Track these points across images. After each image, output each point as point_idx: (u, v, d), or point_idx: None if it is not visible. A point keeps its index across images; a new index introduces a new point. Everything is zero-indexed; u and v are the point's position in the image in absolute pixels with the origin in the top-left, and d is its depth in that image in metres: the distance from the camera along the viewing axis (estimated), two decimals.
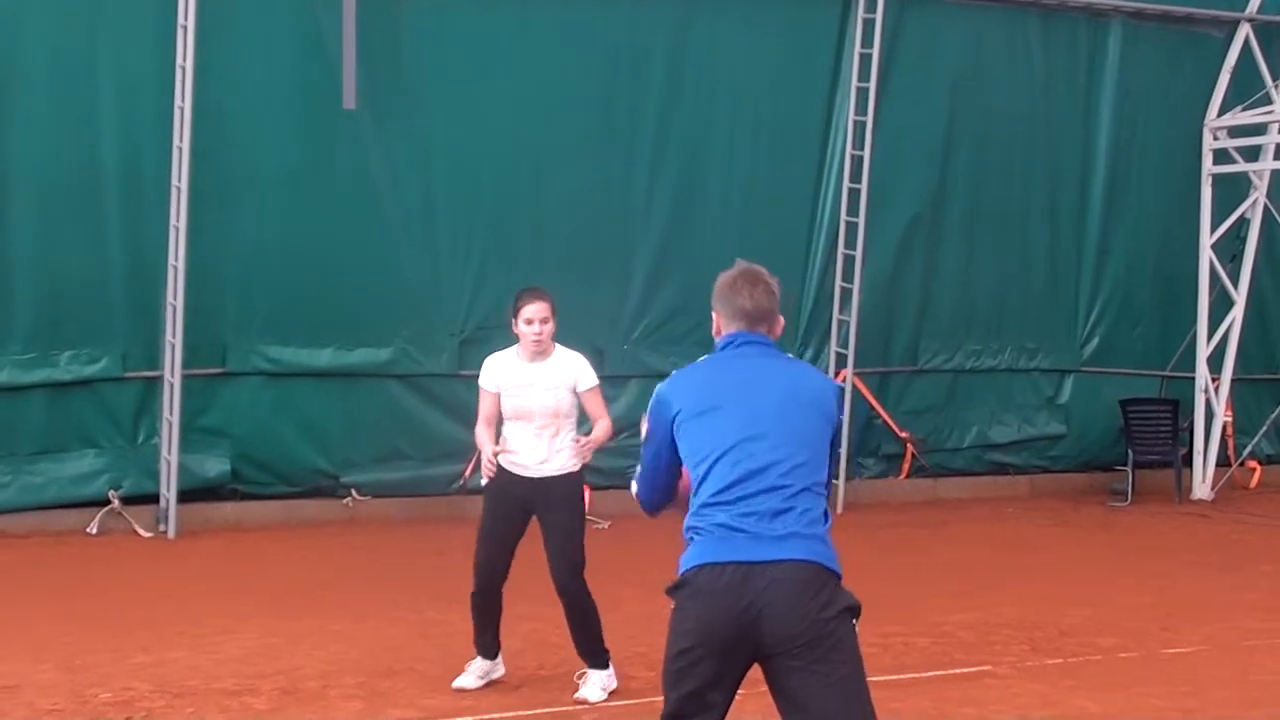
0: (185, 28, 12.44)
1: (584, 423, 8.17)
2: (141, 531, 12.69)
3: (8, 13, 12.29)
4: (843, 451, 5.25)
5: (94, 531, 12.60)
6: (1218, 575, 12.18)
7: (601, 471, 14.13)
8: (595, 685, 8.01)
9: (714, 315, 5.18)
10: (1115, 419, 16.42)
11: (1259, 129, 16.34)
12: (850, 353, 14.93)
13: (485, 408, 8.05)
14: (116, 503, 12.74)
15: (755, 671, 4.86)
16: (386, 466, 13.74)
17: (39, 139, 12.41)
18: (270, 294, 13.15)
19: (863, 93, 14.89)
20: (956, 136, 15.68)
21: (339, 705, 7.90)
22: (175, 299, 12.62)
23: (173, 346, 12.68)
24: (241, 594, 10.59)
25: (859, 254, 14.94)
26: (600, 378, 13.96)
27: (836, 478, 5.26)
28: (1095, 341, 16.69)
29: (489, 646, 8.19)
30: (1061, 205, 16.35)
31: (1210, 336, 16.54)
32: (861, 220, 14.93)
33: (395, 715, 7.76)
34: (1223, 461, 16.73)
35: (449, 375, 13.72)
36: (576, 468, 7.99)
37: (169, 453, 12.76)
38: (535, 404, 7.91)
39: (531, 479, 7.91)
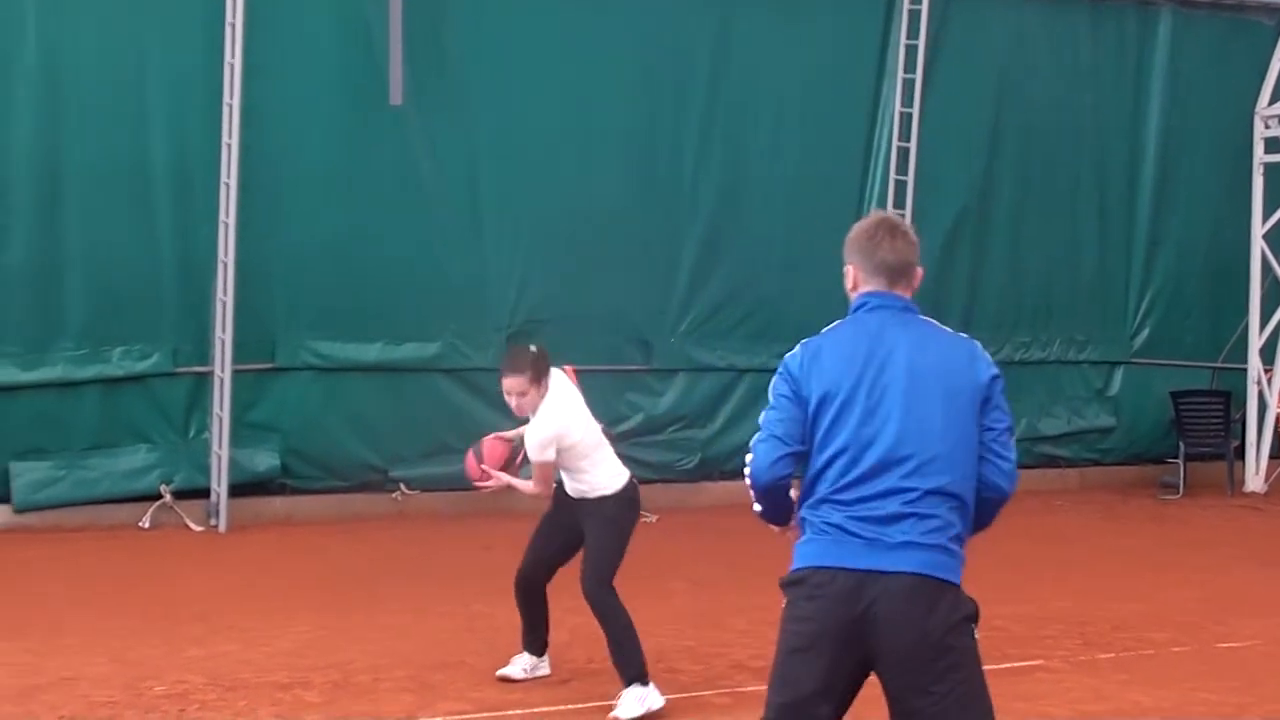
0: (233, 26, 12.50)
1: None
2: (193, 526, 12.76)
3: (58, 12, 12.37)
4: (1004, 415, 4.75)
5: (146, 526, 12.68)
6: (1271, 569, 12.09)
7: (650, 465, 14.15)
8: (631, 699, 7.67)
9: (849, 269, 4.82)
10: (1166, 411, 16.33)
11: None
12: None
13: None
14: (168, 497, 12.82)
15: None
16: (435, 461, 13.76)
17: (90, 137, 12.49)
18: (319, 289, 13.20)
19: (909, 84, 14.85)
20: (1003, 127, 15.61)
21: (390, 698, 7.93)
22: (225, 295, 12.69)
23: (223, 342, 12.75)
24: (292, 588, 10.64)
25: None
26: (647, 371, 14.03)
27: (1001, 478, 4.78)
28: (1145, 333, 16.60)
29: (535, 644, 8.20)
30: (1110, 196, 16.26)
31: (1262, 327, 16.42)
32: (908, 212, 14.88)
33: (445, 708, 7.78)
34: (1276, 453, 16.59)
35: (496, 369, 13.66)
36: (612, 490, 7.96)
37: (220, 447, 12.83)
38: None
39: (574, 500, 7.98)
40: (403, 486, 13.67)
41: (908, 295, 4.84)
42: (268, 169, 12.86)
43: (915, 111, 14.83)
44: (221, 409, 12.81)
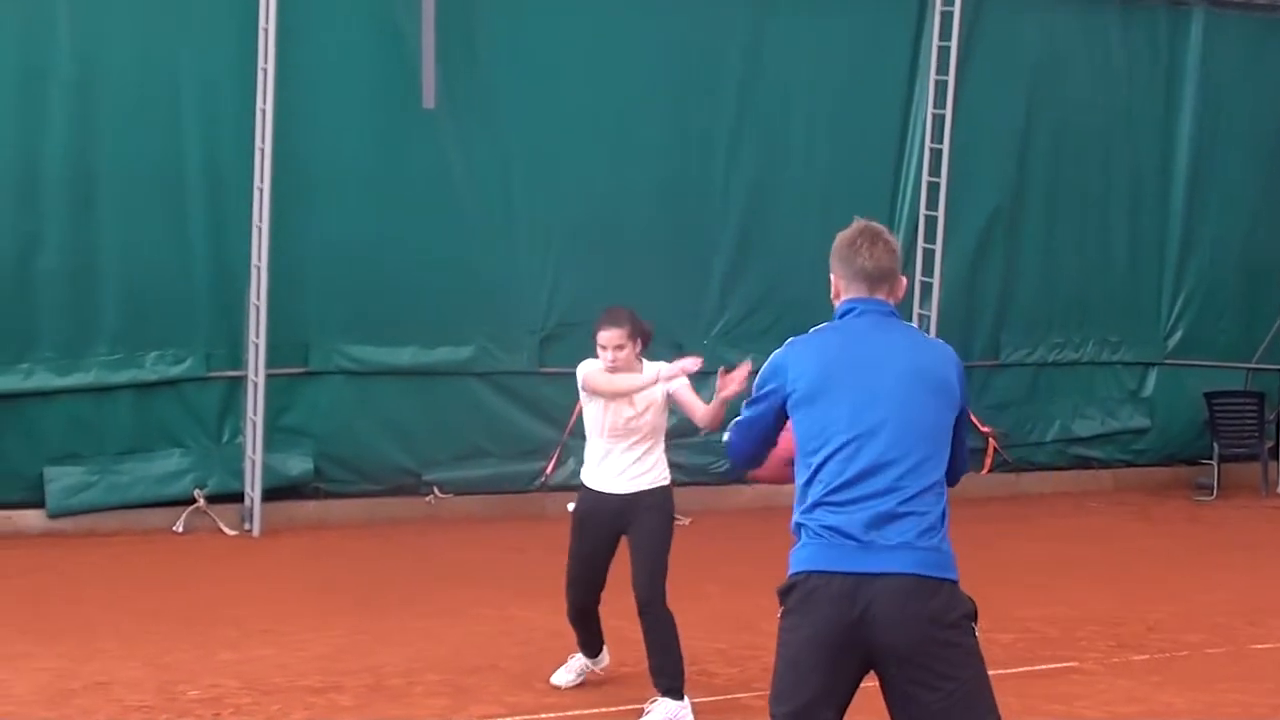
0: (266, 30, 12.54)
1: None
2: (226, 530, 12.80)
3: (92, 16, 12.42)
4: (966, 428, 4.95)
5: (180, 530, 12.73)
6: None
7: (683, 468, 14.14)
8: (661, 715, 7.64)
9: (832, 277, 4.94)
10: (1200, 412, 16.26)
11: None
12: None
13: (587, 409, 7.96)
14: (202, 501, 12.86)
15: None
16: (468, 464, 13.79)
17: (124, 142, 12.54)
18: (351, 293, 13.22)
19: (941, 85, 14.81)
20: (1036, 129, 15.56)
21: (423, 702, 7.96)
22: (258, 299, 12.73)
23: (256, 346, 12.80)
24: (326, 592, 10.67)
25: (939, 248, 14.88)
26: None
27: (965, 466, 4.92)
28: (1179, 334, 16.53)
29: (593, 648, 8.19)
30: (1144, 196, 16.20)
31: None
32: (941, 214, 14.86)
33: (479, 712, 7.80)
34: None
35: (530, 373, 13.75)
36: (667, 481, 7.92)
37: (253, 452, 12.87)
38: (622, 422, 7.81)
39: (621, 495, 7.77)
40: (436, 490, 13.69)
41: (890, 302, 4.90)
42: (300, 173, 12.89)
43: (948, 113, 14.79)
44: (255, 413, 12.85)
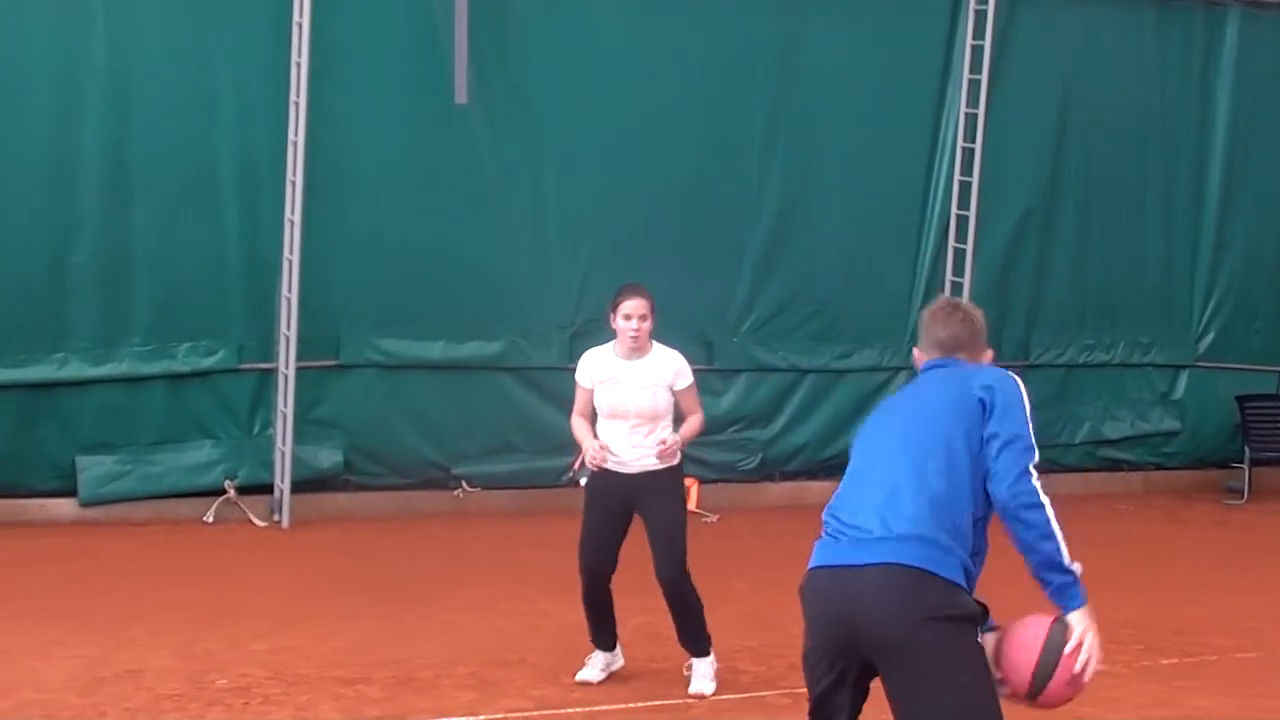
0: (300, 25, 12.58)
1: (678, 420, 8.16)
2: (256, 521, 12.85)
3: (127, 11, 12.48)
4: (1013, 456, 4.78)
5: (210, 520, 12.78)
6: None
7: (710, 465, 14.17)
8: (705, 677, 8.00)
9: (915, 350, 5.30)
10: (1231, 415, 16.20)
11: None
12: None
13: (580, 402, 8.14)
14: (232, 493, 12.92)
15: None
16: (497, 459, 13.82)
17: (157, 135, 12.60)
18: (383, 287, 13.27)
19: (974, 85, 14.79)
20: (1069, 129, 15.52)
21: (451, 695, 7.98)
22: (290, 292, 12.78)
23: (287, 339, 12.84)
24: (354, 584, 10.70)
25: (970, 248, 14.86)
26: (709, 371, 13.99)
27: (998, 473, 4.78)
28: (1211, 336, 16.47)
29: (606, 640, 8.22)
30: (1177, 198, 16.14)
31: None
32: (972, 213, 14.84)
33: (507, 705, 7.82)
34: None
35: (559, 368, 13.73)
36: (677, 460, 7.99)
37: (283, 444, 12.92)
38: (631, 402, 7.92)
39: (631, 475, 7.92)
40: (464, 484, 13.72)
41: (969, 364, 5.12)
42: (333, 167, 12.94)
43: (980, 112, 14.77)
44: (286, 405, 12.90)
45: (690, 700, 7.94)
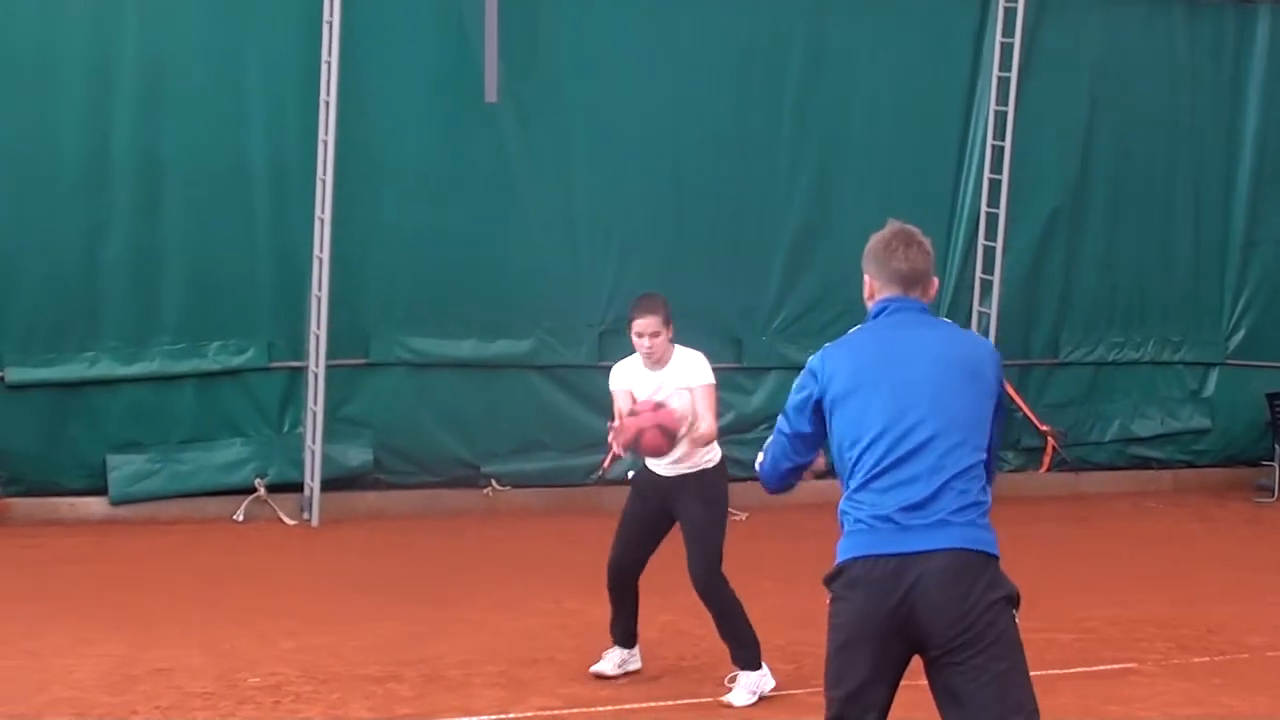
0: (330, 24, 12.62)
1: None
2: (286, 519, 12.89)
3: (159, 9, 12.54)
4: (1002, 426, 5.07)
5: (240, 519, 12.82)
6: None
7: (740, 463, 14.13)
8: (743, 689, 7.84)
9: (866, 279, 5.04)
10: (1261, 413, 16.13)
11: None
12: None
13: (622, 407, 8.07)
14: (262, 491, 12.95)
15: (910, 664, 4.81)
16: (526, 457, 13.84)
17: (189, 133, 12.64)
18: (412, 285, 13.30)
19: (1004, 82, 14.76)
20: (1098, 126, 15.47)
21: (481, 693, 7.99)
22: (320, 290, 12.81)
23: (317, 337, 12.88)
24: (384, 582, 10.72)
25: (999, 245, 14.83)
26: (738, 369, 13.98)
27: (1001, 456, 4.99)
28: (1241, 334, 16.40)
29: (625, 636, 8.22)
30: (1206, 196, 16.08)
31: None
32: (1002, 211, 14.80)
33: (536, 704, 7.83)
34: None
35: (589, 366, 13.77)
36: (714, 463, 7.98)
37: (313, 442, 12.95)
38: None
39: (668, 477, 7.92)
40: (494, 482, 13.74)
41: (923, 301, 5.00)
42: (363, 165, 12.97)
43: (1010, 110, 14.74)
44: (315, 404, 12.93)
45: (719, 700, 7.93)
